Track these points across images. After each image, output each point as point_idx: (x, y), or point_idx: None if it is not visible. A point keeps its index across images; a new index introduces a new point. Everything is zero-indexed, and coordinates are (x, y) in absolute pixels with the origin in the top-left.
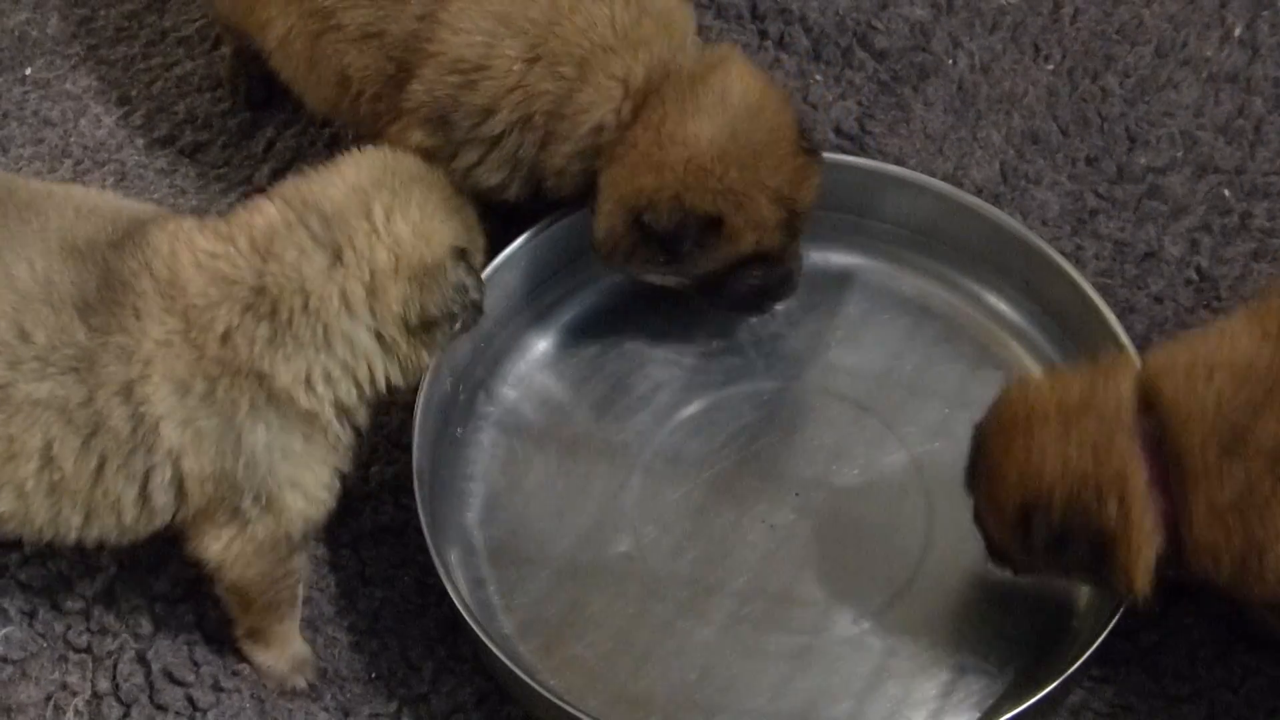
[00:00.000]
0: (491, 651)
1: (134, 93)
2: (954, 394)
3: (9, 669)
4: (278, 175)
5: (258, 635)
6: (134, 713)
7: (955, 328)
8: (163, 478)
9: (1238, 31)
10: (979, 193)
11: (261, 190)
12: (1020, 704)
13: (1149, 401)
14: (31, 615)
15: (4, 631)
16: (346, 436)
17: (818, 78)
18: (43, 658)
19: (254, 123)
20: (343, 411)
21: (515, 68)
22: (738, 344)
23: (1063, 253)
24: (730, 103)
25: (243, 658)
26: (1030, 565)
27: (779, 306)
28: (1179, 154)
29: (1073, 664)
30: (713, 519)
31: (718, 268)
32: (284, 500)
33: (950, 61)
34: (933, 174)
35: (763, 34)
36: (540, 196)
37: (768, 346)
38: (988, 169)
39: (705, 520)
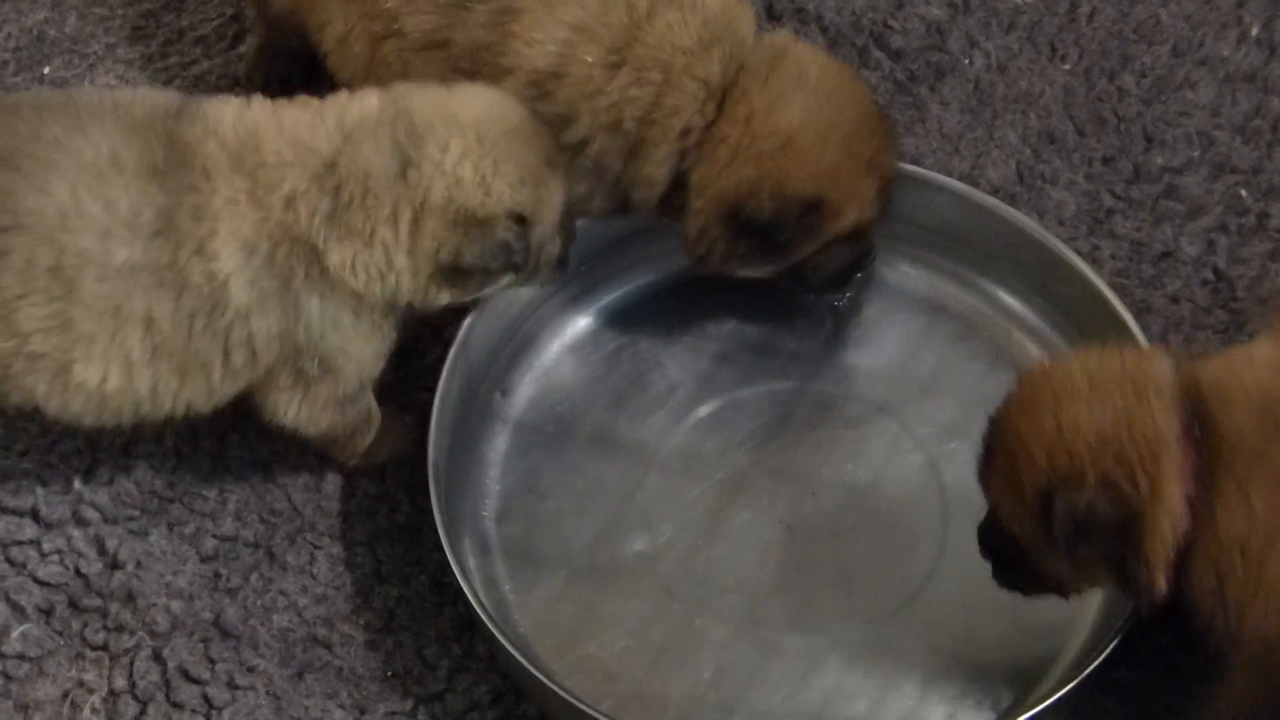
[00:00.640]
0: (507, 650)
1: None
2: (970, 394)
3: (26, 666)
4: None
5: (354, 453)
6: (150, 710)
7: (972, 327)
8: (239, 335)
9: (1255, 31)
10: (995, 192)
11: None
12: (1040, 704)
13: (1189, 391)
14: (49, 613)
15: (21, 629)
16: (388, 327)
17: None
18: (60, 655)
19: None
20: (383, 303)
21: (595, 74)
22: (753, 343)
23: (1079, 253)
24: (810, 84)
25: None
26: (1043, 572)
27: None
28: (1195, 154)
29: (1092, 663)
30: (729, 518)
31: (815, 250)
32: (338, 364)
33: (966, 61)
34: (949, 174)
35: None
36: (625, 210)
37: (783, 346)
38: (1004, 169)
39: (721, 519)
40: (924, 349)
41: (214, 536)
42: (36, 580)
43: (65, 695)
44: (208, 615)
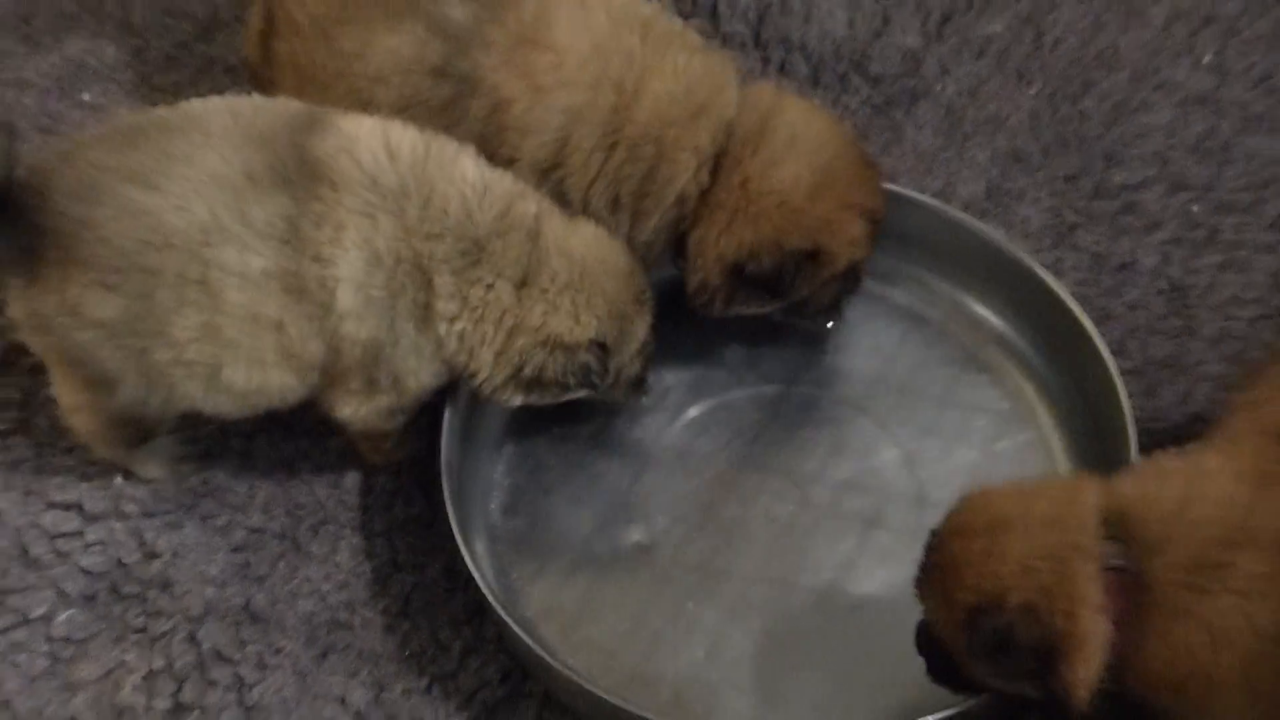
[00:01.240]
0: (514, 633)
1: None
2: (942, 395)
3: (72, 648)
4: None
5: (382, 451)
6: (186, 688)
7: (944, 334)
8: (337, 336)
9: (1207, 59)
10: (966, 208)
11: None
12: None
13: (1117, 524)
14: (92, 599)
15: (67, 614)
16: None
17: (816, 101)
18: (102, 638)
19: None
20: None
21: (592, 161)
22: (742, 350)
23: (1044, 264)
24: (800, 141)
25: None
26: (969, 676)
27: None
28: (1152, 172)
29: None
30: (720, 510)
31: (813, 290)
32: (408, 383)
33: (939, 86)
34: (923, 191)
35: (765, 60)
36: None
37: (770, 353)
38: (974, 186)
39: (713, 512)
40: (900, 354)
41: (243, 528)
42: (81, 569)
43: (108, 674)
44: (238, 600)
